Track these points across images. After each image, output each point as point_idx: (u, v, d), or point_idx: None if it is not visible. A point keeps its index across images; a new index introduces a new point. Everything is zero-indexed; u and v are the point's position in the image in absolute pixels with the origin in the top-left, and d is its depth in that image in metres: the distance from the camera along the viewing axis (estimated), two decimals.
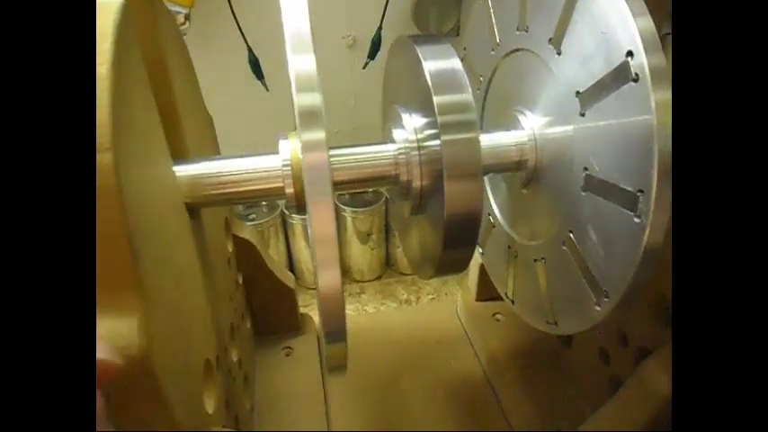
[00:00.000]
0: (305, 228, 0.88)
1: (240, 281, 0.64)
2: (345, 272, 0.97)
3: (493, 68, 0.49)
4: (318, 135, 0.27)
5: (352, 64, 0.82)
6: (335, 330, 0.30)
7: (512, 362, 0.68)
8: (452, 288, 0.93)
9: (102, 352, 0.22)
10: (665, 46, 0.43)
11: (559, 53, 0.38)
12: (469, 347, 0.75)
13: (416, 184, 0.40)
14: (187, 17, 0.70)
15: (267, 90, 0.78)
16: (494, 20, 0.48)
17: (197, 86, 0.50)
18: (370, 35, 0.79)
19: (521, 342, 0.70)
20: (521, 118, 0.44)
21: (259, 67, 0.76)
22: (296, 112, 0.27)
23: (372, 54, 0.78)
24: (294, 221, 0.88)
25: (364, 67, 0.80)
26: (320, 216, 0.27)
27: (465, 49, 0.56)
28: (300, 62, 0.27)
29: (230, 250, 0.59)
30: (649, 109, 0.29)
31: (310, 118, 0.27)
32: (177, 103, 0.41)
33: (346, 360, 0.34)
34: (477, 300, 0.77)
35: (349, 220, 0.90)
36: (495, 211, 0.54)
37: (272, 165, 0.38)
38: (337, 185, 0.41)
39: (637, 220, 0.31)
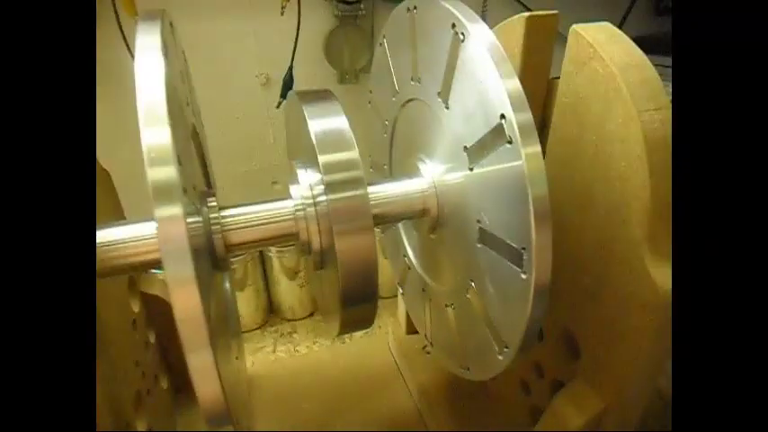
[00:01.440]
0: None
1: (152, 339, 0.60)
2: (276, 311, 0.95)
3: (395, 115, 0.50)
4: (174, 210, 0.25)
5: (267, 102, 0.81)
6: (217, 415, 0.28)
7: (441, 394, 0.68)
8: (386, 320, 0.92)
9: None
10: (555, 88, 0.44)
11: (447, 107, 0.38)
12: (401, 382, 0.74)
13: (315, 240, 0.39)
14: None
15: None
16: (392, 68, 0.48)
17: None
18: (283, 73, 0.78)
19: (450, 374, 0.70)
20: (421, 166, 0.44)
21: None
22: (149, 188, 0.25)
23: (284, 93, 0.77)
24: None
25: (278, 106, 0.78)
26: (181, 297, 0.25)
27: (371, 92, 0.56)
28: (153, 135, 0.26)
29: (136, 310, 0.55)
30: (521, 168, 0.30)
31: (164, 193, 0.25)
32: None
33: None
34: (408, 333, 0.76)
35: (275, 259, 0.87)
36: (410, 253, 0.54)
37: (148, 232, 0.36)
38: (235, 247, 0.40)
39: (523, 276, 0.32)
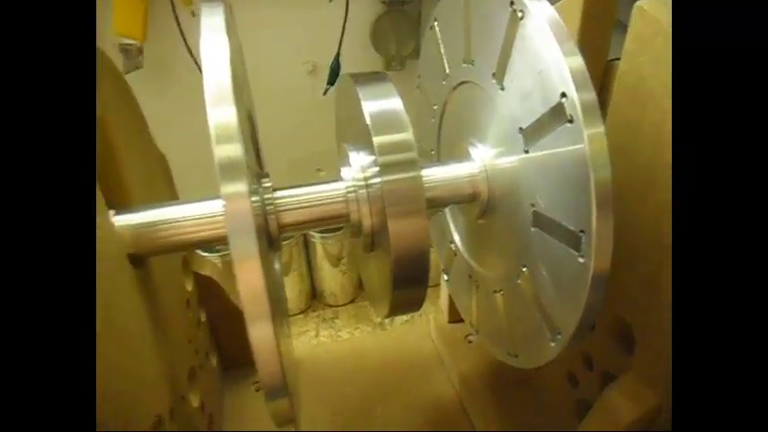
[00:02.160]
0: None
1: (203, 318, 0.63)
2: (319, 296, 0.96)
3: (445, 99, 0.49)
4: (240, 187, 0.26)
5: (313, 89, 0.82)
6: (275, 387, 0.29)
7: (484, 384, 0.67)
8: (427, 309, 0.92)
9: None
10: (612, 71, 0.43)
11: (503, 88, 0.37)
12: (443, 370, 0.74)
13: (367, 222, 0.40)
14: (140, 50, 0.69)
15: None
16: (443, 50, 0.48)
17: (143, 128, 0.49)
18: (330, 60, 0.79)
19: (493, 363, 0.70)
20: (472, 150, 0.43)
21: None
22: (216, 165, 0.26)
23: (332, 80, 0.78)
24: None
25: (324, 93, 0.79)
26: (246, 270, 0.26)
27: (419, 77, 0.56)
28: (219, 114, 0.27)
29: (189, 289, 0.58)
30: (583, 150, 0.29)
31: (230, 170, 0.26)
32: (117, 151, 0.39)
33: (293, 414, 0.33)
34: (450, 321, 0.76)
35: (318, 245, 0.89)
36: (456, 239, 0.54)
37: (216, 210, 0.38)
38: (288, 227, 0.40)
39: (581, 260, 0.31)
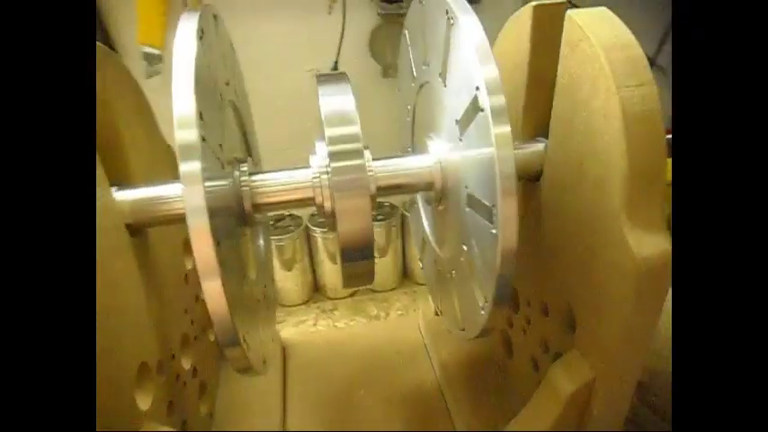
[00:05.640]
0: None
1: (202, 296, 0.69)
2: (320, 289, 1.02)
3: (414, 99, 0.54)
4: (193, 166, 0.32)
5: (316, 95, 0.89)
6: (227, 336, 0.35)
7: (461, 371, 0.71)
8: (421, 304, 0.96)
9: None
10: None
11: (446, 86, 0.43)
12: (427, 358, 0.78)
13: (328, 204, 0.45)
14: (161, 58, 0.77)
15: None
16: (411, 56, 0.53)
17: (149, 118, 0.56)
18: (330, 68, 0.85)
19: (471, 353, 0.74)
20: (429, 143, 0.49)
21: None
22: (176, 146, 0.32)
23: None
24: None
25: None
26: (198, 236, 0.32)
27: (398, 80, 0.61)
28: (181, 106, 0.33)
29: (189, 268, 0.64)
30: (490, 139, 0.34)
31: (187, 152, 0.32)
32: (120, 133, 0.46)
33: (248, 362, 0.39)
34: (436, 314, 0.80)
35: (320, 240, 0.95)
36: (426, 227, 0.59)
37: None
38: (261, 207, 0.47)
39: (493, 231, 0.36)
